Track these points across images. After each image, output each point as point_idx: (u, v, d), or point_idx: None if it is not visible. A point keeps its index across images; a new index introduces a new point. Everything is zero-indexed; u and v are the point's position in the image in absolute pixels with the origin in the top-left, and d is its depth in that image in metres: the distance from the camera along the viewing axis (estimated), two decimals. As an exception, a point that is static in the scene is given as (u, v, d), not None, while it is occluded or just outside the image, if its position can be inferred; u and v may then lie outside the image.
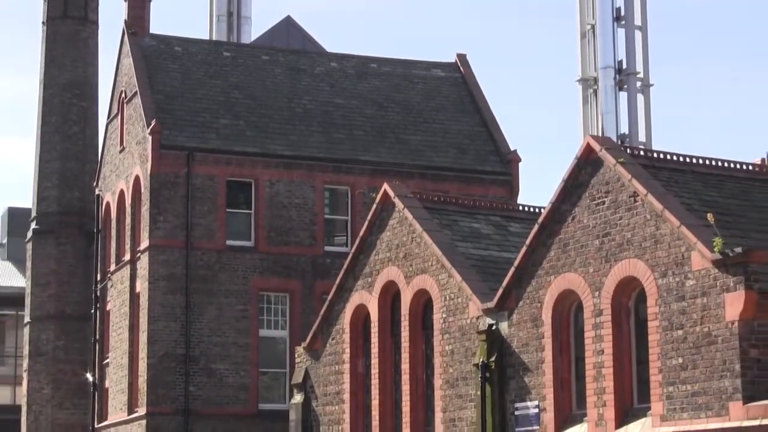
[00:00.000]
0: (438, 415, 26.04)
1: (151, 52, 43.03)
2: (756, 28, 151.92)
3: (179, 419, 38.38)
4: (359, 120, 43.21)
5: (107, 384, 43.90)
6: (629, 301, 22.06)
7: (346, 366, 28.88)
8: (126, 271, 41.66)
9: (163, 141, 39.53)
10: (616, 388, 21.87)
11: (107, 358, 44.09)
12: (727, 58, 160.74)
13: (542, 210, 25.00)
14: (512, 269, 24.28)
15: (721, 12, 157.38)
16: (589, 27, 62.59)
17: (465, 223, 28.19)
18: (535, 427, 23.50)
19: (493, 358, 24.26)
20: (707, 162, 24.21)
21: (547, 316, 23.46)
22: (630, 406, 21.83)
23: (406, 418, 27.08)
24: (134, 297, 40.79)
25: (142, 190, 40.25)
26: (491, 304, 24.63)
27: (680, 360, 20.56)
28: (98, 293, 45.40)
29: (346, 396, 28.77)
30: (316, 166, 40.86)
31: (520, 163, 43.20)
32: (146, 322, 38.99)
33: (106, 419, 43.54)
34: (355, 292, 28.90)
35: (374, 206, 28.75)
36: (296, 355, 31.16)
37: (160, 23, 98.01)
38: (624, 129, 61.33)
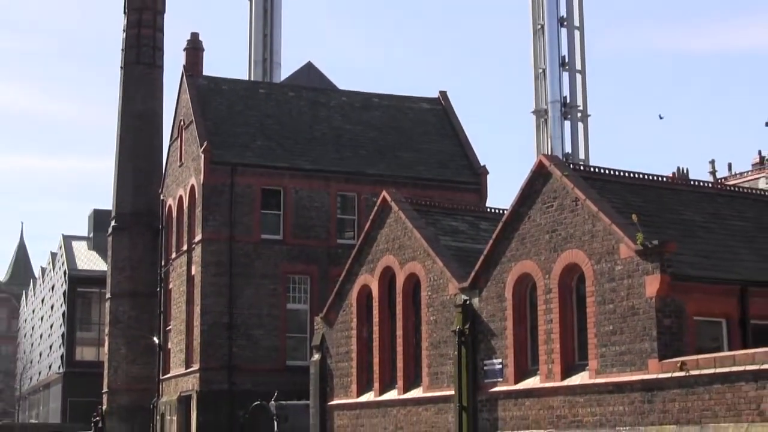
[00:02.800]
0: (425, 370, 26.02)
1: (204, 90, 43.01)
2: (672, 68, 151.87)
3: (225, 372, 38.37)
4: (364, 142, 43.18)
5: (169, 345, 43.89)
6: (572, 282, 22.04)
7: (354, 332, 28.84)
8: (184, 259, 41.64)
9: (212, 158, 39.51)
10: (562, 349, 21.85)
11: (169, 325, 44.07)
12: (648, 93, 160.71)
13: (505, 212, 24.99)
14: (482, 257, 24.26)
15: (644, 58, 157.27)
16: (540, 71, 62.70)
17: (446, 221, 28.13)
18: (500, 379, 23.48)
19: (467, 326, 24.24)
20: (632, 174, 24.20)
21: (509, 293, 23.44)
22: (572, 363, 21.81)
23: (400, 373, 27.04)
24: (190, 279, 40.77)
25: (196, 196, 40.22)
26: (466, 284, 24.61)
27: (611, 327, 20.56)
28: (162, 275, 45.38)
29: (354, 355, 28.74)
30: (330, 177, 40.83)
31: (488, 176, 43.19)
32: (199, 297, 38.98)
33: (168, 372, 43.53)
34: (360, 275, 28.87)
35: (375, 208, 28.71)
36: (315, 324, 31.11)
37: (211, 67, 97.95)
38: (568, 149, 61.46)
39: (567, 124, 62.02)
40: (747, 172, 37.60)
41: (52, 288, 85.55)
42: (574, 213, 21.74)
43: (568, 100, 62.00)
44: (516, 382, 23.02)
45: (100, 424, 40.18)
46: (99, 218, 72.95)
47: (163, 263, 45.47)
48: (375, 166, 41.86)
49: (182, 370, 40.85)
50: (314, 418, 29.92)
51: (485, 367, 23.87)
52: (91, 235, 76.63)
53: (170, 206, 44.77)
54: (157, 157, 53.71)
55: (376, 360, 27.92)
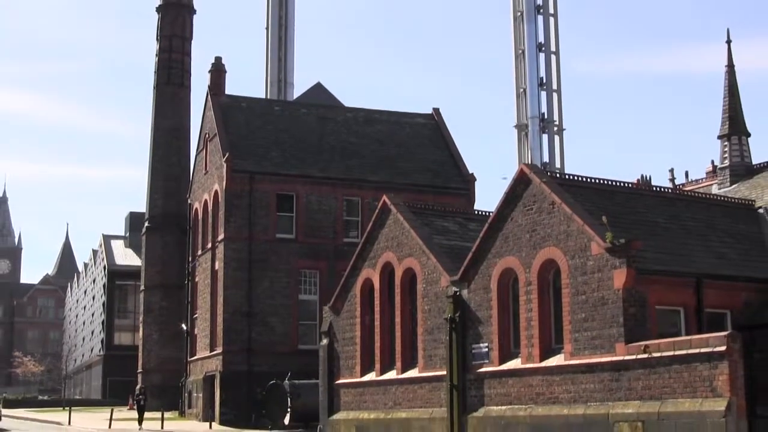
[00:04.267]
0: (420, 353, 26.00)
1: (226, 107, 43.05)
2: (637, 87, 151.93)
3: (244, 355, 38.40)
4: (367, 152, 43.20)
5: (196, 331, 43.91)
6: (549, 276, 22.03)
7: (357, 320, 28.84)
8: (208, 255, 41.66)
9: (234, 167, 39.55)
10: (540, 334, 21.84)
11: (196, 313, 44.08)
12: (616, 110, 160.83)
13: (490, 214, 24.99)
14: (470, 254, 24.25)
15: (613, 78, 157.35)
16: (522, 90, 62.79)
17: (438, 222, 28.13)
18: (486, 361, 23.47)
19: (457, 314, 24.23)
20: (601, 181, 24.20)
21: (494, 286, 23.43)
22: (550, 346, 21.80)
23: (398, 355, 27.03)
24: (214, 273, 40.79)
25: (220, 200, 40.25)
26: (456, 278, 24.60)
27: (583, 315, 20.56)
28: (190, 270, 45.40)
29: (358, 340, 28.72)
30: (337, 183, 40.86)
31: (475, 182, 43.20)
32: (222, 289, 39.00)
33: (195, 355, 43.55)
34: (363, 269, 28.86)
35: (377, 211, 28.69)
36: (323, 312, 31.09)
37: (232, 87, 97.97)
38: (546, 159, 61.54)
39: (545, 137, 62.15)
40: (702, 179, 37.57)
41: (94, 281, 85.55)
42: (551, 215, 21.75)
43: (545, 116, 62.12)
44: (500, 363, 23.01)
45: (142, 402, 40.26)
46: (134, 220, 73.04)
47: (190, 259, 45.49)
48: (376, 173, 41.89)
49: (207, 353, 40.88)
50: (323, 395, 29.92)
51: (473, 351, 23.87)
52: (128, 234, 76.66)
53: (196, 209, 44.81)
54: (185, 166, 53.76)
55: (377, 344, 27.91)
